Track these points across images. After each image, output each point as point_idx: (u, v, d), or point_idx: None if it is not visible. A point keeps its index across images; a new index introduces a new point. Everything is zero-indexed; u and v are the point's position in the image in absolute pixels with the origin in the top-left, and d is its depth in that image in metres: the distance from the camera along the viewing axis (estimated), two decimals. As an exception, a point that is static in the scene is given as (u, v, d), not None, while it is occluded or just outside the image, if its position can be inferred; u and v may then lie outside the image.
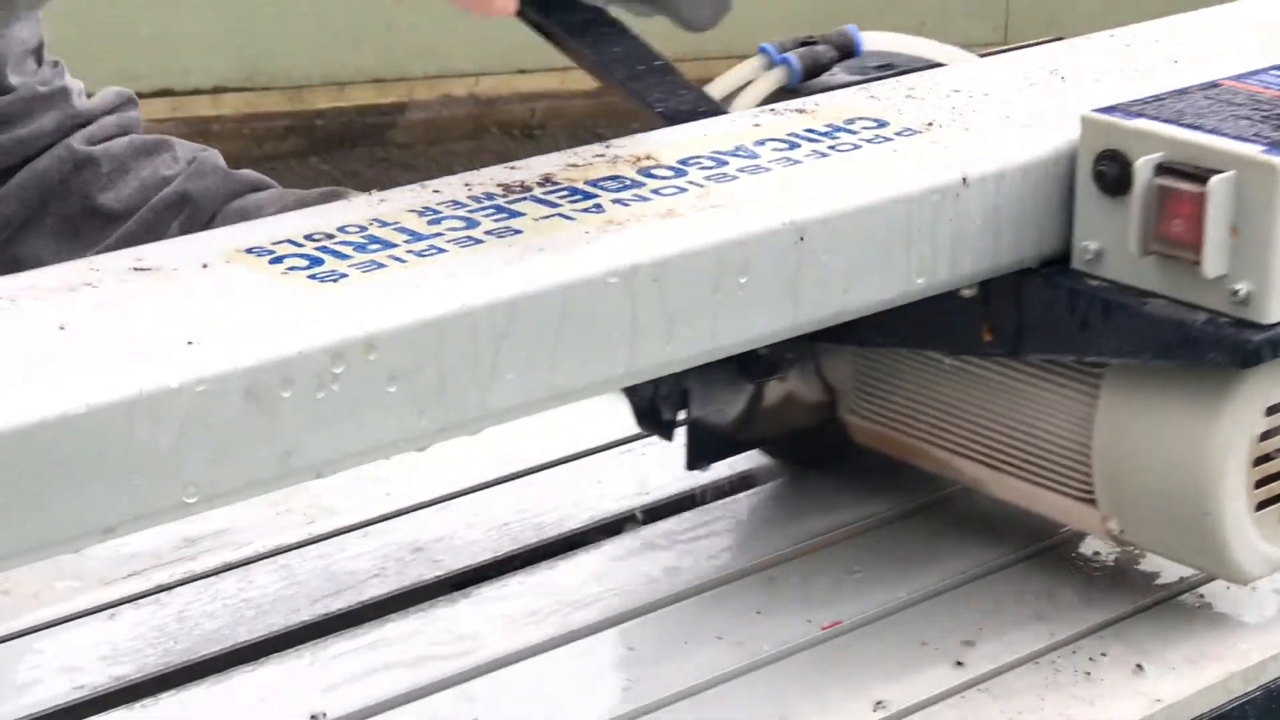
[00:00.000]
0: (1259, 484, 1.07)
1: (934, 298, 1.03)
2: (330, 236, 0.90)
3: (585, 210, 0.94)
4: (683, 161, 1.00)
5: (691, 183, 0.98)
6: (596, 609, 1.13)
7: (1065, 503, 1.13)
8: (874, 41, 1.28)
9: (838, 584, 1.16)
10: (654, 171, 0.99)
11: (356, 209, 0.94)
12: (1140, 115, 1.05)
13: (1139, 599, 1.14)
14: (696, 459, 1.20)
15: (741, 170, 1.00)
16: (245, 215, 1.50)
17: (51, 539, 0.77)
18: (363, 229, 0.91)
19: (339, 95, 4.67)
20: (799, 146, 1.03)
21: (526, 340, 0.87)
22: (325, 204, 1.51)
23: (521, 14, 1.06)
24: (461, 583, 1.18)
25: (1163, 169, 1.02)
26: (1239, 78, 1.12)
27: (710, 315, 0.93)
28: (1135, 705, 1.05)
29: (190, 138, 1.62)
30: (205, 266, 0.87)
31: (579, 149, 1.02)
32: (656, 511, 1.26)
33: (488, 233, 0.91)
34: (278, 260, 0.88)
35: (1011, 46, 1.25)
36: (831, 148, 1.03)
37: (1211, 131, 1.03)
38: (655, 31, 1.13)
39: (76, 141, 1.52)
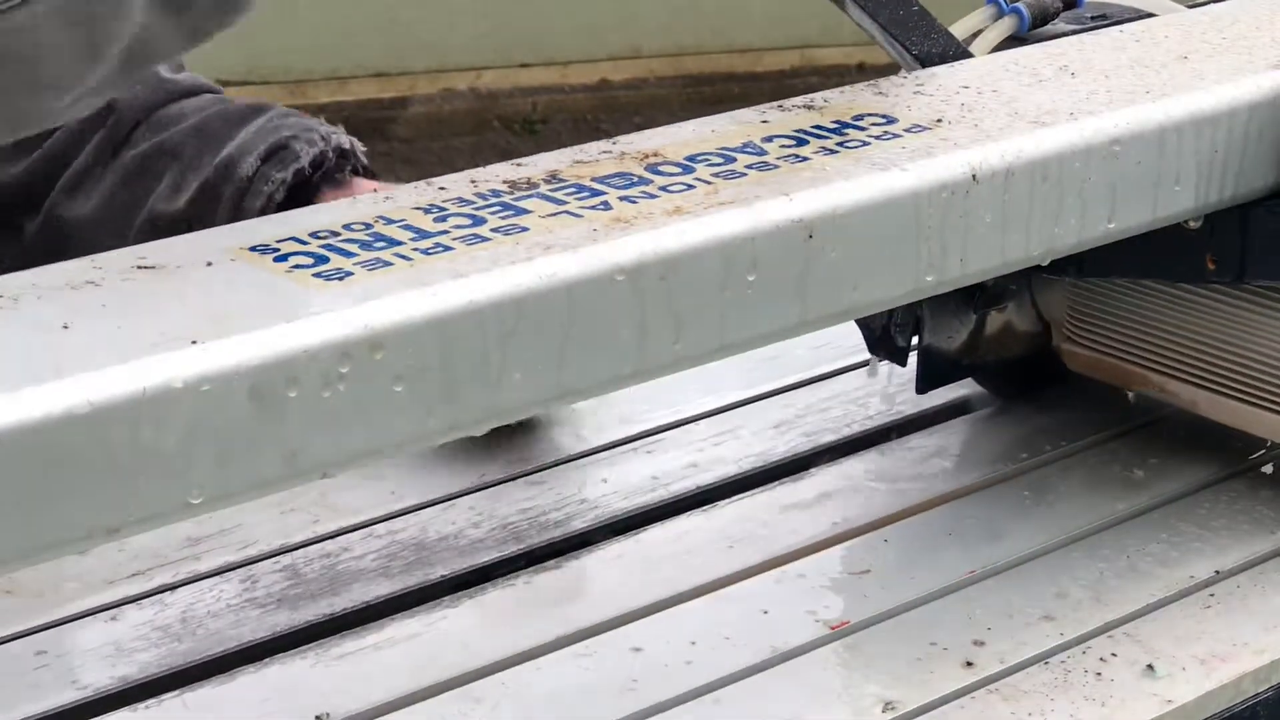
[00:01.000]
0: None
1: (1157, 230, 1.09)
2: (335, 234, 0.90)
3: (592, 207, 0.93)
4: (690, 158, 0.99)
5: (699, 179, 0.97)
6: (602, 609, 1.13)
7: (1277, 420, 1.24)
8: (1094, -9, 1.33)
9: (845, 583, 1.16)
10: (661, 168, 0.98)
11: (362, 207, 0.93)
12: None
13: (1150, 598, 1.14)
14: (926, 382, 1.32)
15: (749, 167, 0.99)
16: (165, 126, 1.48)
17: (56, 540, 0.76)
18: (368, 226, 0.90)
19: (340, 89, 4.67)
20: (807, 143, 1.02)
21: (534, 338, 0.86)
22: (253, 119, 1.48)
23: None
24: (467, 582, 1.18)
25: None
26: None
27: (718, 313, 0.93)
28: (1146, 706, 1.04)
29: (191, 132, 1.60)
30: (210, 265, 0.86)
31: (586, 145, 1.01)
32: (664, 510, 1.26)
33: (494, 230, 0.90)
34: (283, 258, 0.87)
35: None
36: (840, 144, 1.02)
37: None
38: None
39: None
